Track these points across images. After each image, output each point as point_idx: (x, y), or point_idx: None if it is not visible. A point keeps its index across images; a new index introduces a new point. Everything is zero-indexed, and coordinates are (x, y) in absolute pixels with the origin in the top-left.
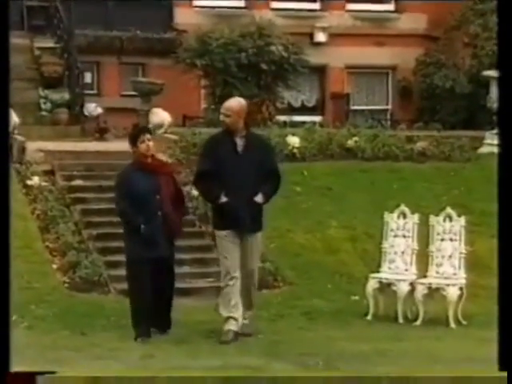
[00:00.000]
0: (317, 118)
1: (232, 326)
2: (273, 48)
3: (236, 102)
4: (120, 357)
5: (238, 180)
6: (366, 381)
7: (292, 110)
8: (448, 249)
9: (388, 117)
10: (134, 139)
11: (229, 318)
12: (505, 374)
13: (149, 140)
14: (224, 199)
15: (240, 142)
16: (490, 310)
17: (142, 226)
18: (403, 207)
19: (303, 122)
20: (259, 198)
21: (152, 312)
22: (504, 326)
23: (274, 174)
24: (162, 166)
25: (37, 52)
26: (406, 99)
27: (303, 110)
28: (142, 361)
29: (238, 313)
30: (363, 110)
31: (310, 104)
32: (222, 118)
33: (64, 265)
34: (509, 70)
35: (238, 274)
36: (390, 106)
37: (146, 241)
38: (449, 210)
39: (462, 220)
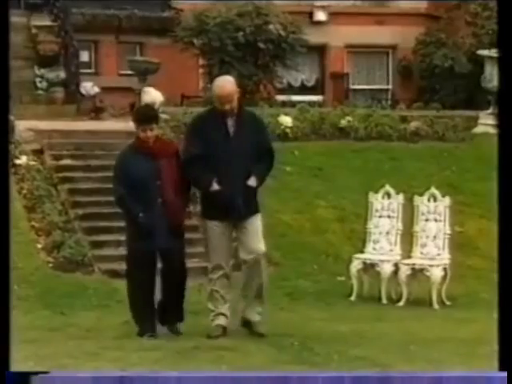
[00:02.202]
0: (316, 98)
1: (221, 321)
2: (270, 27)
3: (225, 84)
4: (95, 337)
5: (231, 165)
6: None
7: (292, 89)
8: (432, 229)
9: (389, 96)
10: (136, 122)
11: (217, 313)
12: (505, 373)
13: (151, 130)
14: (216, 187)
15: (231, 123)
16: (474, 290)
17: (141, 215)
18: (388, 187)
19: (302, 102)
20: (252, 182)
21: (156, 307)
22: (504, 325)
23: (267, 153)
24: (164, 148)
25: (33, 30)
26: (406, 79)
27: (303, 89)
28: (116, 341)
29: (227, 308)
30: (363, 90)
31: (310, 84)
32: (216, 104)
33: (48, 244)
34: (509, 50)
35: (228, 267)
36: (390, 86)
37: (144, 230)
38: (433, 190)
39: (447, 200)
